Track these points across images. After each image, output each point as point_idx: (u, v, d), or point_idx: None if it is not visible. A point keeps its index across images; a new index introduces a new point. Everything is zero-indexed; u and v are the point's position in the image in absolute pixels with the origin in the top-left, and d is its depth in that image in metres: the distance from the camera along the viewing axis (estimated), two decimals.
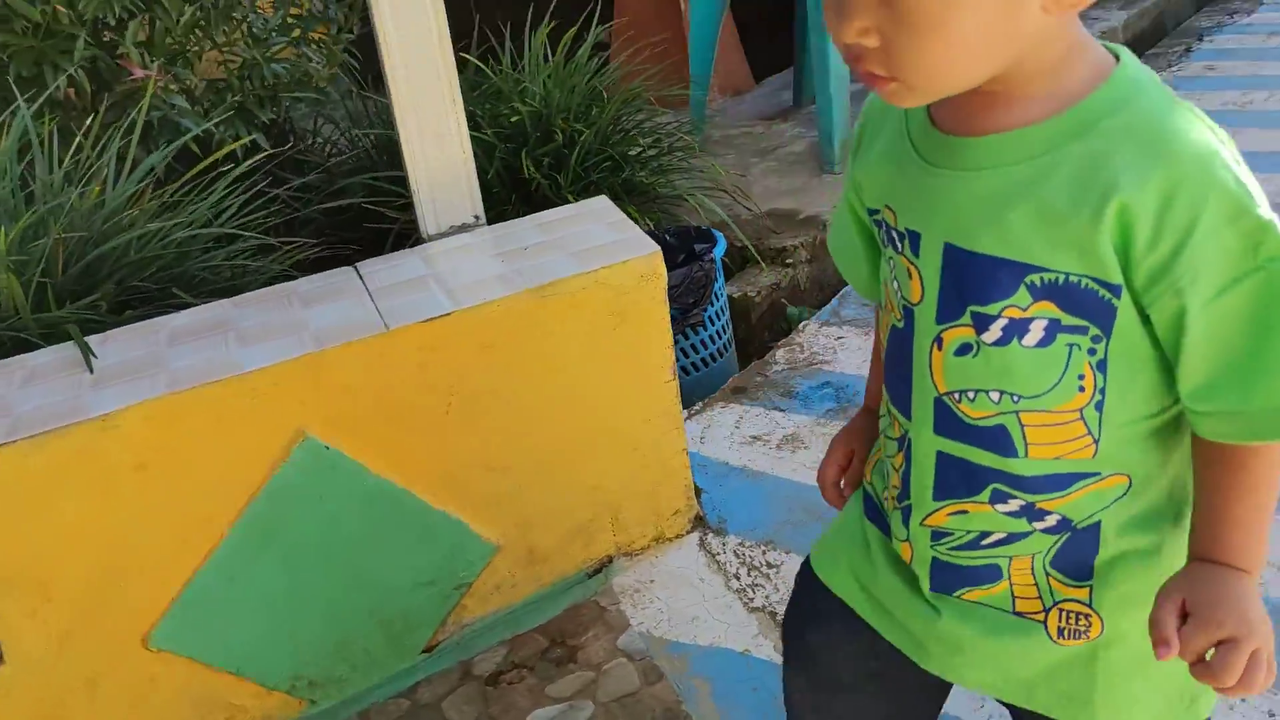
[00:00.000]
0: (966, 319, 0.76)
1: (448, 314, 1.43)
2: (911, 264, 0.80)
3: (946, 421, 0.80)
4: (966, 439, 0.80)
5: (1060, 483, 0.78)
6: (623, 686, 1.47)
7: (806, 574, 0.99)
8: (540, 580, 1.63)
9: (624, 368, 1.58)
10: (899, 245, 0.81)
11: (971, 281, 0.75)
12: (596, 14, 2.60)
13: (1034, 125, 0.72)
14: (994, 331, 0.75)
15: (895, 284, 0.83)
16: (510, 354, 1.49)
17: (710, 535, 1.75)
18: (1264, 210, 0.68)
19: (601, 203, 1.74)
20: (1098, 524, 0.79)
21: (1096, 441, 0.76)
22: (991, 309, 0.74)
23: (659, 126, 2.56)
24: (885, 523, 0.91)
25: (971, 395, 0.78)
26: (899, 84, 0.71)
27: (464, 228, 1.72)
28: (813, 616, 0.99)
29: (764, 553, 1.70)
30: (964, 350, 0.77)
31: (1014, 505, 0.80)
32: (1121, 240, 0.69)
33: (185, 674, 1.43)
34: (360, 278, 1.58)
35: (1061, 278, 0.72)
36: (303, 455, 1.39)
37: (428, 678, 1.56)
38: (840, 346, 2.31)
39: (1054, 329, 0.74)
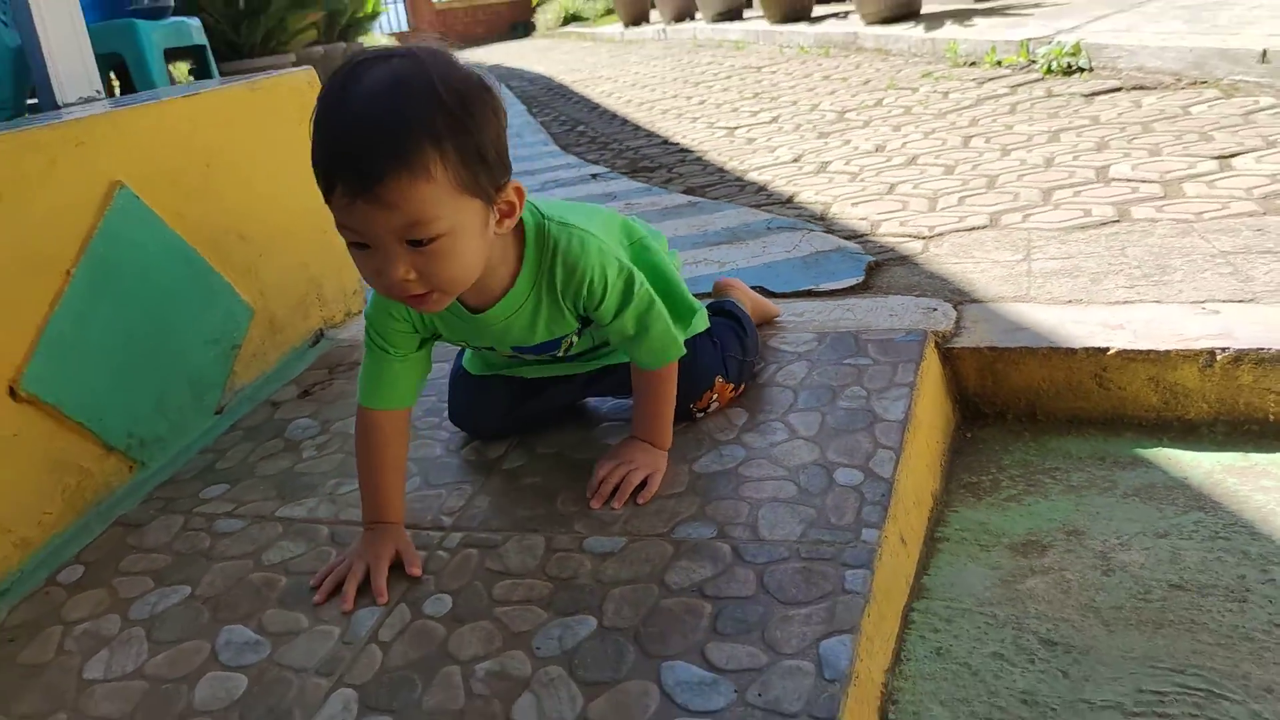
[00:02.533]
0: (545, 357, 1.41)
1: (195, 94, 1.71)
2: (496, 351, 1.39)
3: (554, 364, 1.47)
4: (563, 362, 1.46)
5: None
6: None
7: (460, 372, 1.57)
8: (282, 347, 1.89)
9: None
10: (478, 349, 1.43)
11: (537, 350, 1.37)
12: None
13: (507, 293, 1.25)
14: (558, 350, 1.39)
15: (489, 352, 1.42)
16: (242, 134, 1.80)
17: None
18: (624, 261, 1.28)
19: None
20: None
21: None
22: (555, 351, 1.38)
23: None
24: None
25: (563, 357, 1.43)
26: (438, 293, 1.10)
27: (90, 100, 1.90)
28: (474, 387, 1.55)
29: None
30: (550, 362, 1.45)
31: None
32: (583, 308, 1.29)
33: (44, 431, 1.44)
34: None
35: (570, 331, 1.34)
36: (122, 202, 1.55)
37: (219, 438, 1.72)
38: None
39: (573, 341, 1.37)
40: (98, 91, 1.93)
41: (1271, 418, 1.44)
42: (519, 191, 1.15)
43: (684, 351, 1.36)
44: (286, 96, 1.91)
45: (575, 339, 1.37)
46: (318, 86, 2.01)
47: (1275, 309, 1.56)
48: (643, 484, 1.33)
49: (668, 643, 1.08)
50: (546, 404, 1.54)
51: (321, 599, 1.24)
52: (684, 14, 11.52)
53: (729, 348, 1.50)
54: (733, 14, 10.07)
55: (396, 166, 0.99)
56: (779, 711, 0.96)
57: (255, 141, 1.85)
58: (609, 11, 15.69)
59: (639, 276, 1.29)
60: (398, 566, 1.26)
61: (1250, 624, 1.08)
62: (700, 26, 10.13)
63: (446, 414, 1.60)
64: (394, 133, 1.00)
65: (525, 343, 1.34)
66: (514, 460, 1.50)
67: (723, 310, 1.58)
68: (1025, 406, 1.57)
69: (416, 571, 1.25)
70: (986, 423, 1.59)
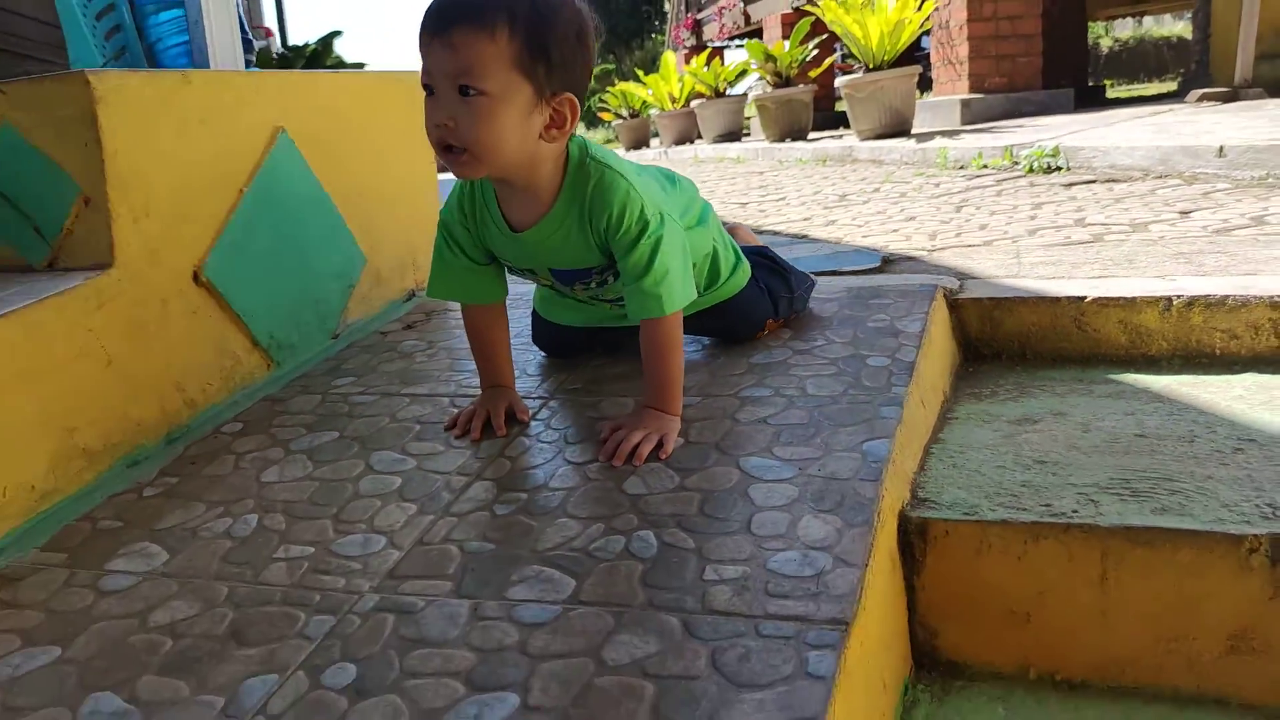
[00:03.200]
0: (579, 284, 1.53)
1: (342, 72, 2.07)
2: (536, 275, 1.55)
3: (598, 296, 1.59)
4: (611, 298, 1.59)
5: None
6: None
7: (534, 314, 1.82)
8: (384, 297, 2.21)
9: (416, 146, 2.32)
10: (520, 271, 1.55)
11: (572, 276, 1.52)
12: None
13: (544, 216, 1.41)
14: (593, 282, 1.52)
15: (534, 276, 1.56)
16: (372, 113, 2.16)
17: None
18: (649, 209, 1.39)
19: None
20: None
21: None
22: (587, 280, 1.52)
23: None
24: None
25: (601, 292, 1.56)
26: (469, 156, 1.26)
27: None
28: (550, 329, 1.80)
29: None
30: (587, 290, 1.56)
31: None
32: (604, 238, 1.42)
33: (214, 315, 1.75)
34: None
35: (602, 263, 1.47)
36: (282, 144, 1.89)
37: (337, 353, 2.02)
38: None
39: (611, 275, 1.50)
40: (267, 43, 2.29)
41: (1218, 351, 1.76)
42: (573, 107, 1.30)
43: (678, 307, 1.43)
44: (404, 91, 2.28)
45: (611, 278, 1.51)
46: None
47: (1222, 278, 1.91)
48: (659, 445, 1.40)
49: (744, 446, 1.38)
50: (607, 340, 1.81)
51: (459, 433, 1.53)
52: (684, 139, 12.22)
53: (776, 289, 1.81)
54: (732, 136, 10.73)
55: (469, 16, 1.22)
56: (836, 478, 1.26)
57: (378, 121, 2.21)
58: (608, 141, 16.52)
59: (659, 222, 1.41)
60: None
61: (1196, 451, 1.39)
62: (701, 146, 10.77)
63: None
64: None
65: (557, 265, 1.49)
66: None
67: (759, 253, 1.88)
68: (1018, 347, 1.89)
69: (525, 418, 1.55)
70: (985, 361, 1.91)
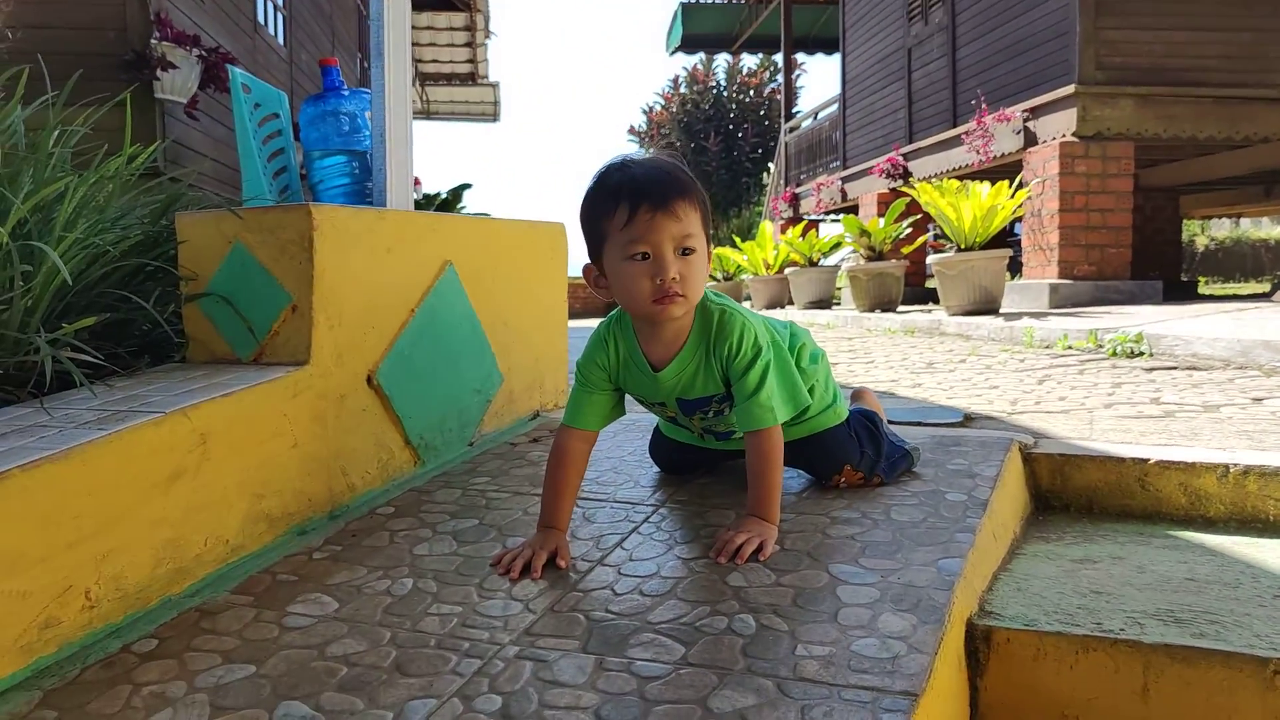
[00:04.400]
0: (698, 414, 1.82)
1: (499, 219, 2.42)
2: (662, 408, 1.85)
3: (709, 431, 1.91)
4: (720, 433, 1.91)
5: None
6: None
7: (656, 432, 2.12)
8: (513, 414, 2.49)
9: (552, 285, 2.64)
10: (648, 404, 1.85)
11: (695, 405, 1.80)
12: None
13: (678, 354, 1.73)
14: (710, 411, 1.81)
15: (660, 408, 1.87)
16: (520, 254, 2.49)
17: None
18: (761, 337, 1.71)
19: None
20: None
21: None
22: (705, 410, 1.80)
23: None
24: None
25: (713, 425, 1.88)
26: (682, 298, 1.60)
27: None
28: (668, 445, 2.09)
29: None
30: (704, 420, 1.85)
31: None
32: (725, 364, 1.71)
33: (379, 415, 2.04)
34: None
35: (720, 393, 1.76)
36: (449, 274, 2.22)
37: (473, 458, 2.29)
38: None
39: (725, 404, 1.79)
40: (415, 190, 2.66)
41: (1272, 517, 1.93)
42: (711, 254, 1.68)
43: (782, 420, 1.70)
44: (546, 238, 2.62)
45: (727, 409, 1.77)
46: (566, 236, 2.72)
47: (1278, 453, 2.08)
48: (759, 549, 1.61)
49: (833, 556, 1.60)
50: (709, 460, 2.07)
51: (502, 570, 1.64)
52: (775, 304, 12.63)
53: (864, 444, 1.99)
54: (822, 304, 11.08)
55: (684, 192, 1.57)
56: (913, 585, 1.47)
57: (524, 262, 2.55)
58: None
59: (768, 349, 1.71)
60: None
61: (1239, 594, 1.55)
62: (792, 311, 11.13)
63: None
64: (680, 176, 1.60)
65: (686, 395, 1.77)
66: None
67: (865, 415, 2.12)
68: (1085, 501, 2.08)
69: (563, 564, 1.63)
70: (1054, 512, 2.10)
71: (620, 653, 1.35)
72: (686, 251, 1.58)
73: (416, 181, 6.37)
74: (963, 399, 3.30)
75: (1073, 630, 1.40)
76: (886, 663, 1.27)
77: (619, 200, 1.56)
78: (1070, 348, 5.38)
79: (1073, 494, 2.09)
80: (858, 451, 1.97)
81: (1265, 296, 8.35)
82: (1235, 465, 1.95)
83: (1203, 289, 16.43)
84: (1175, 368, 4.35)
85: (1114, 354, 4.93)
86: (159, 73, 4.55)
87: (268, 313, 1.91)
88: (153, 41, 4.62)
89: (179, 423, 1.61)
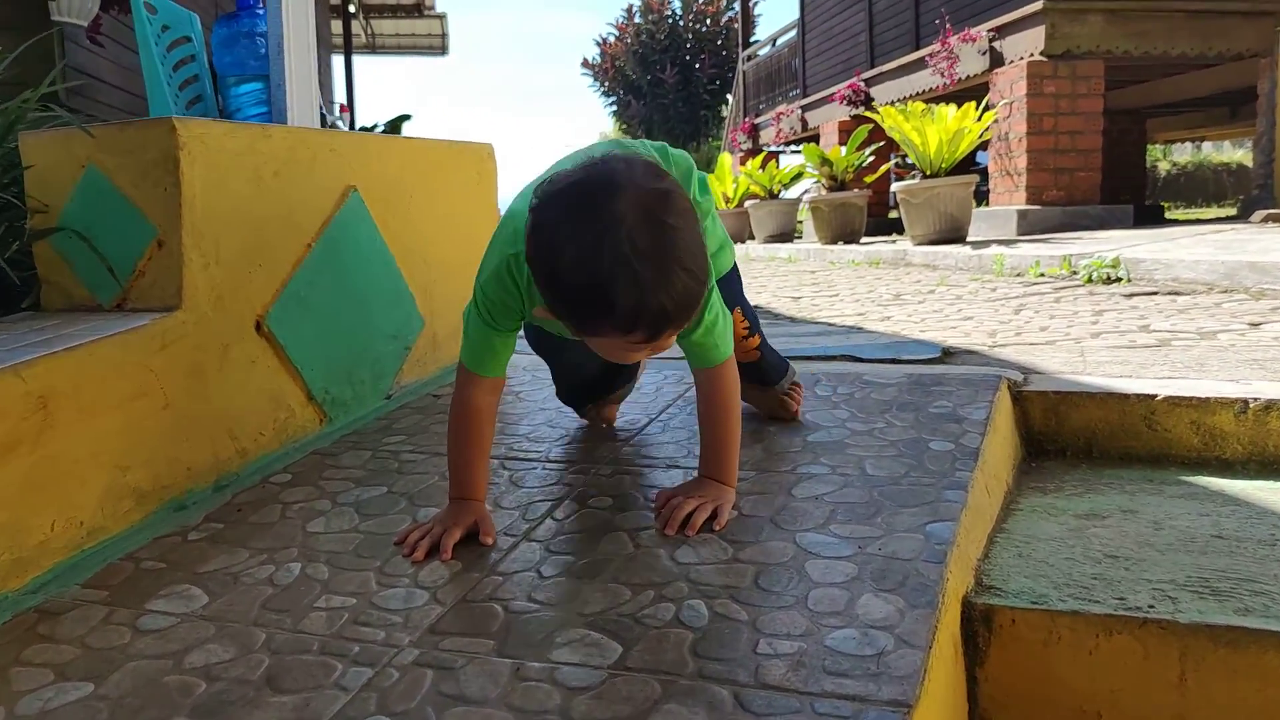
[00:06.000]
0: None
1: (413, 139, 2.11)
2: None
3: None
4: None
5: None
6: None
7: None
8: (439, 362, 2.21)
9: (481, 214, 2.34)
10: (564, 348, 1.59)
11: None
12: None
13: None
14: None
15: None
16: (441, 181, 2.19)
17: None
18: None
19: None
20: None
21: None
22: None
23: None
24: None
25: None
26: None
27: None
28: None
29: None
30: None
31: None
32: None
33: (272, 366, 1.75)
34: None
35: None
36: (352, 202, 1.92)
37: (389, 413, 2.01)
38: None
39: None
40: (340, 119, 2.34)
41: None
42: None
43: (727, 355, 1.42)
44: (472, 160, 2.31)
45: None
46: (494, 159, 2.42)
47: None
48: (714, 516, 1.36)
49: (800, 522, 1.34)
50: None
51: (407, 551, 1.36)
52: (736, 238, 12.34)
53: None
54: (784, 237, 10.81)
55: (685, 319, 1.19)
56: (897, 558, 1.22)
57: (447, 189, 2.24)
58: None
59: (714, 295, 1.38)
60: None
61: (1279, 554, 1.32)
62: (752, 246, 10.85)
63: None
64: (696, 303, 1.19)
65: None
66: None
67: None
68: (1083, 444, 1.84)
69: (489, 541, 1.37)
70: (1048, 457, 1.86)
71: (543, 655, 1.09)
72: None
73: (343, 108, 5.98)
74: (936, 332, 3.05)
75: (1091, 609, 1.16)
76: (870, 661, 1.02)
77: (635, 327, 1.15)
78: (1043, 275, 5.15)
79: (1069, 436, 1.85)
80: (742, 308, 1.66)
81: (1236, 219, 8.17)
82: (1255, 400, 1.72)
83: (1169, 214, 16.33)
84: (1156, 293, 4.13)
85: (1090, 280, 4.70)
86: None
87: (131, 249, 1.61)
88: None
89: (9, 384, 1.31)
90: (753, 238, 11.49)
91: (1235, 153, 23.62)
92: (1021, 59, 7.70)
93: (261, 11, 4.32)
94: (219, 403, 1.63)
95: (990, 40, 8.08)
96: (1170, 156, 25.14)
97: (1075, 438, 1.84)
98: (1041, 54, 7.46)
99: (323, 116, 4.12)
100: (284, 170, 1.76)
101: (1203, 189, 24.50)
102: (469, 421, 1.44)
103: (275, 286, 1.74)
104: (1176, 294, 4.09)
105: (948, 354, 2.34)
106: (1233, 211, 13.04)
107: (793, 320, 3.76)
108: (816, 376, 2.00)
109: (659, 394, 2.00)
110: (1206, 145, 23.29)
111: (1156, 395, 1.78)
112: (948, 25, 8.73)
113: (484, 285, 1.39)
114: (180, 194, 1.56)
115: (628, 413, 1.87)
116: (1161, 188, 24.33)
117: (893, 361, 2.24)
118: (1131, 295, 4.08)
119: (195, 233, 1.59)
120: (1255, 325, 2.81)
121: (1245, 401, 1.72)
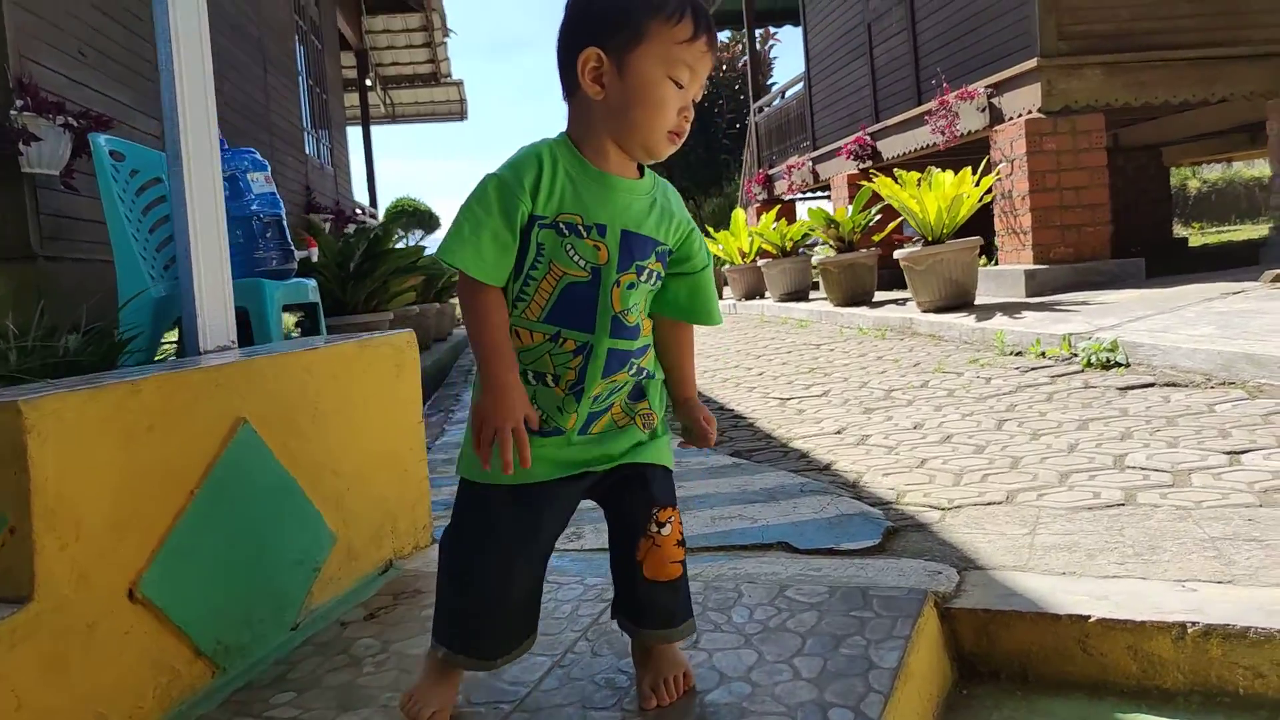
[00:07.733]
0: (632, 270, 1.42)
1: (314, 349, 2.05)
2: (598, 242, 1.40)
3: (616, 329, 1.43)
4: (623, 336, 1.44)
5: (645, 349, 1.50)
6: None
7: (498, 490, 1.47)
8: (355, 574, 2.12)
9: (401, 409, 2.26)
10: (584, 233, 1.39)
11: (636, 249, 1.42)
12: None
13: (638, 180, 1.44)
14: (642, 275, 1.43)
15: (578, 257, 1.39)
16: (347, 384, 2.11)
17: None
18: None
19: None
20: (646, 368, 1.52)
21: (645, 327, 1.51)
22: (643, 263, 1.43)
23: None
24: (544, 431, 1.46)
25: (629, 309, 1.44)
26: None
27: (225, 349, 2.26)
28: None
29: None
30: (630, 286, 1.43)
31: (633, 368, 1.48)
32: (679, 232, 1.48)
33: (150, 632, 1.67)
34: None
35: (664, 247, 1.46)
36: (243, 436, 1.84)
37: (290, 652, 1.92)
38: None
39: (654, 273, 1.46)
40: (231, 341, 2.29)
41: (1241, 691, 1.56)
42: None
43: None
44: (388, 354, 2.24)
45: (656, 279, 1.47)
46: (415, 347, 2.35)
47: (1249, 590, 1.71)
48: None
49: None
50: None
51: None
52: (754, 293, 12.25)
53: None
54: (799, 295, 10.70)
55: None
56: None
57: (357, 390, 2.17)
58: None
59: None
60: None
61: None
62: (768, 304, 10.75)
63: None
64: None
65: (636, 227, 1.42)
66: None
67: None
68: (1018, 668, 1.71)
69: (535, 423, 1.41)
70: (982, 681, 1.73)
71: None
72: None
73: (310, 242, 5.96)
74: (902, 472, 2.92)
75: None
76: None
77: (685, 12, 1.36)
78: (1043, 355, 5.01)
79: (1002, 659, 1.72)
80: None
81: (1255, 253, 7.93)
82: (1193, 625, 1.59)
83: (1195, 240, 16.02)
84: (1153, 384, 3.98)
85: (1088, 365, 4.56)
86: (21, 146, 4.14)
87: None
88: (11, 113, 4.21)
89: None
90: (768, 294, 11.40)
91: (1266, 168, 23.22)
92: (1020, 115, 7.57)
93: (224, 151, 4.31)
94: (84, 688, 1.55)
95: (989, 96, 7.96)
96: (1200, 175, 24.75)
97: (1009, 660, 1.72)
98: (1039, 111, 7.34)
99: (290, 253, 4.08)
100: (159, 423, 1.70)
101: (1235, 205, 24.08)
102: (497, 321, 1.41)
103: (151, 547, 1.67)
104: (1174, 384, 3.95)
105: (890, 535, 2.22)
106: (1265, 231, 12.73)
107: (766, 444, 3.64)
108: (740, 591, 1.89)
109: (574, 618, 1.90)
110: (1236, 162, 22.94)
111: (1090, 617, 1.65)
112: (945, 83, 8.62)
113: (508, 163, 1.41)
114: (29, 480, 1.49)
115: (526, 656, 1.77)
116: (1192, 208, 23.95)
117: (829, 553, 2.12)
118: (1126, 389, 3.94)
119: (48, 516, 1.52)
120: (1235, 458, 2.66)
121: (1184, 626, 1.59)
